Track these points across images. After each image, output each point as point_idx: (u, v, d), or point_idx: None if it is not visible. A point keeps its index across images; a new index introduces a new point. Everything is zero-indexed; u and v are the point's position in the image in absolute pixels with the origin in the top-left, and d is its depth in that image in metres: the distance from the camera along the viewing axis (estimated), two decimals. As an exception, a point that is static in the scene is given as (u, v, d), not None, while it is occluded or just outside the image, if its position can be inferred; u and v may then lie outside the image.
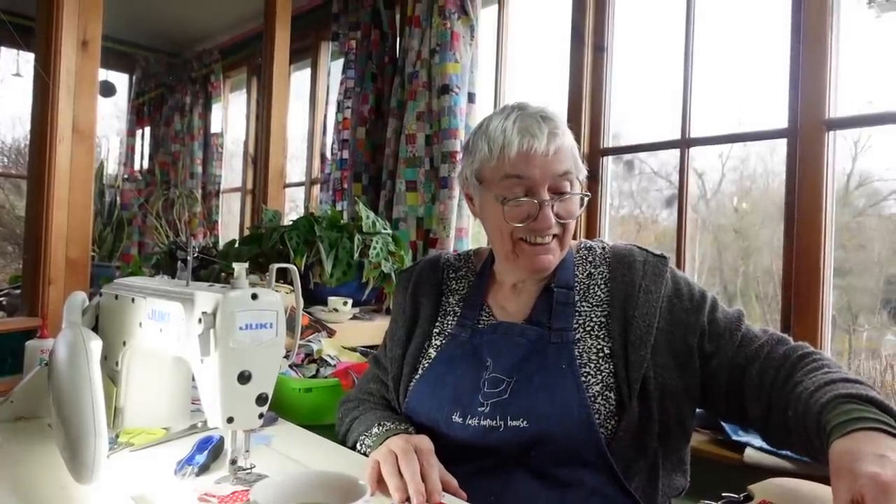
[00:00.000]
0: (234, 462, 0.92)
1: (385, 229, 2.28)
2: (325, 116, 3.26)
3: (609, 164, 2.31)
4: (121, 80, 4.92)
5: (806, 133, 1.74)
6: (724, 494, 0.97)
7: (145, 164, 4.91)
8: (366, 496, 0.65)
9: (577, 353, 1.03)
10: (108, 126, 5.06)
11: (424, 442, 0.96)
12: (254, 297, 0.89)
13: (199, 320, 0.88)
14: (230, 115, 4.53)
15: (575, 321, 1.07)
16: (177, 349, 0.98)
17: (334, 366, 1.64)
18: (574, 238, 1.18)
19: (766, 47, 1.98)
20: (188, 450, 1.00)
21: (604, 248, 1.16)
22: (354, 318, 2.11)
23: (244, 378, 0.88)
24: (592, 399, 0.99)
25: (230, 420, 0.88)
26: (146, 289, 1.06)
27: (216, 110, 4.44)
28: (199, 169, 4.38)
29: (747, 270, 2.41)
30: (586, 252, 1.15)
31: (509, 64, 2.67)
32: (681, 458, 1.09)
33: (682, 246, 2.03)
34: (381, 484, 0.90)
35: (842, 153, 1.85)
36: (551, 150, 1.03)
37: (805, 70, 1.75)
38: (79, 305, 1.15)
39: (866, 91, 1.77)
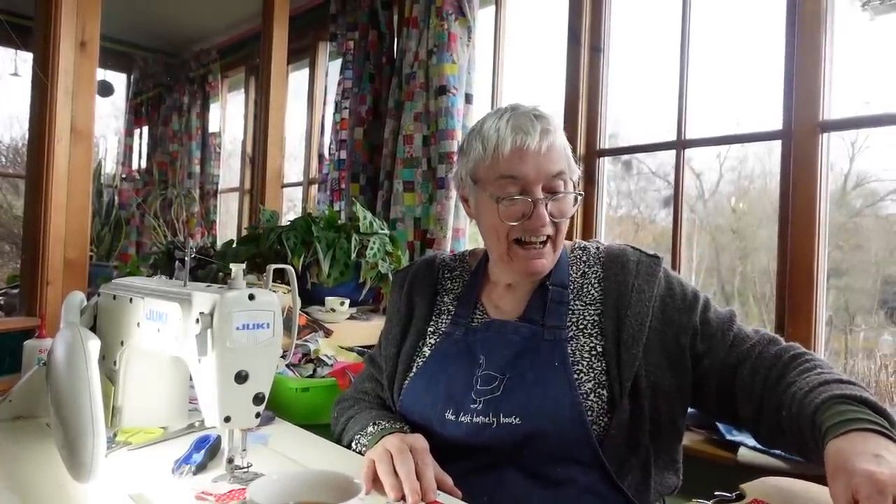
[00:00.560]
0: (231, 461, 0.93)
1: (382, 229, 2.29)
2: (323, 116, 3.27)
3: (606, 165, 2.32)
4: (119, 79, 4.92)
5: (800, 135, 1.75)
6: (716, 493, 0.98)
7: (143, 164, 4.91)
8: (361, 494, 0.66)
9: (569, 351, 1.04)
10: (105, 125, 5.07)
11: (419, 441, 0.97)
12: (251, 297, 0.90)
13: (197, 320, 0.89)
14: (228, 115, 4.53)
15: (568, 319, 1.08)
16: (174, 349, 0.98)
17: (331, 365, 1.64)
18: (569, 239, 1.19)
19: (761, 49, 2.00)
20: (185, 449, 1.01)
21: (598, 248, 1.17)
22: (351, 317, 2.12)
23: (241, 378, 0.89)
24: (584, 396, 1.00)
25: (227, 419, 0.89)
26: (144, 289, 1.07)
27: (214, 110, 4.44)
28: (197, 169, 4.38)
29: (745, 271, 2.42)
30: (580, 252, 1.17)
31: (506, 65, 2.67)
32: (673, 458, 1.10)
33: (677, 246, 2.04)
34: (376, 483, 0.91)
35: (839, 153, 1.86)
36: (544, 147, 1.04)
37: (799, 72, 1.76)
38: (77, 305, 1.16)
39: (861, 93, 1.78)
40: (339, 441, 1.18)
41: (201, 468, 0.96)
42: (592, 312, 1.08)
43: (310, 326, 1.88)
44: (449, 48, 2.47)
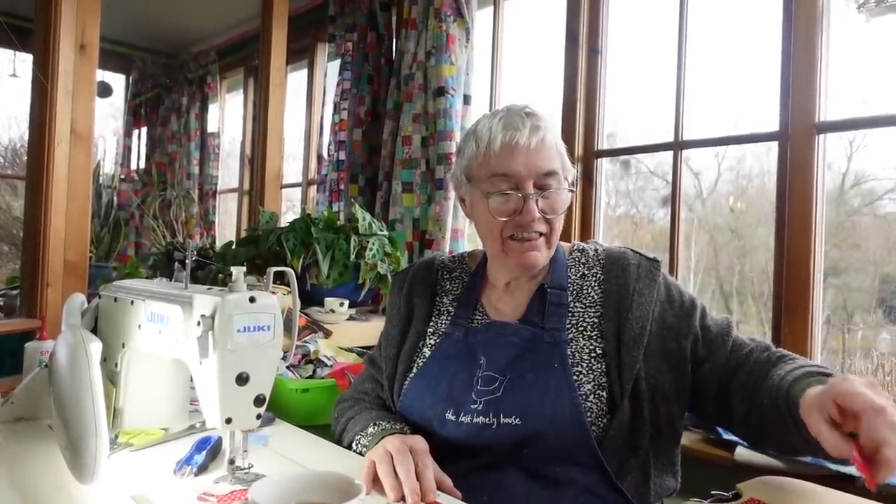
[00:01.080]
0: (232, 462, 0.94)
1: (381, 230, 2.29)
2: (322, 117, 3.27)
3: (605, 164, 2.33)
4: (117, 80, 4.92)
5: (796, 136, 1.76)
6: (713, 492, 0.99)
7: (142, 165, 4.91)
8: (361, 495, 0.67)
9: (569, 353, 1.05)
10: (104, 126, 5.07)
11: (419, 442, 0.98)
12: (251, 300, 0.91)
13: (198, 323, 0.90)
14: (227, 116, 4.54)
15: (568, 321, 1.09)
16: (175, 351, 0.99)
17: (331, 366, 1.65)
18: (568, 241, 1.20)
19: (758, 51, 2.00)
20: (187, 450, 1.01)
21: (596, 250, 1.17)
22: (351, 318, 2.12)
23: (242, 380, 0.90)
24: (584, 398, 1.01)
25: (228, 421, 0.90)
26: (145, 291, 1.08)
27: (213, 111, 4.45)
28: (196, 169, 4.38)
29: (743, 270, 2.43)
30: (579, 254, 1.18)
31: (504, 66, 2.68)
32: (671, 460, 1.10)
33: (675, 246, 2.04)
34: (376, 483, 0.91)
35: (837, 152, 1.86)
36: (533, 143, 1.05)
37: (795, 74, 1.77)
38: (78, 307, 1.16)
39: (857, 95, 1.79)
40: (339, 441, 1.18)
41: (203, 469, 0.97)
42: (592, 314, 1.09)
43: (309, 327, 1.88)
44: (447, 49, 2.48)
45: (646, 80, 2.33)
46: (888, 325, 2.03)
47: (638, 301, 1.06)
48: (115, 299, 1.14)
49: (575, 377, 1.02)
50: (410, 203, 2.56)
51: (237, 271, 0.93)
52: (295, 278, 1.06)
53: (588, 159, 2.30)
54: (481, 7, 2.64)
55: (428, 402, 1.08)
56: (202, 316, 0.89)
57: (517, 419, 1.00)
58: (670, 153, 2.10)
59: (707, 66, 2.10)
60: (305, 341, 1.77)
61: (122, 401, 1.14)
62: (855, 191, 2.11)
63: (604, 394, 1.01)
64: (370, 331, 2.06)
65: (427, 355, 1.15)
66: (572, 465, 0.99)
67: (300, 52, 3.57)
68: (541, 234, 1.08)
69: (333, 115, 3.02)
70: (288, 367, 1.60)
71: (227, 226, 4.39)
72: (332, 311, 2.05)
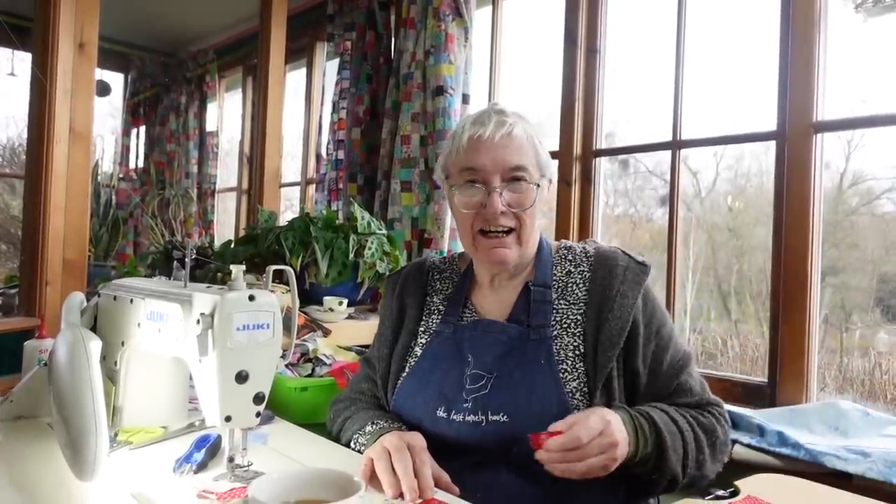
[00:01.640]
0: (231, 459, 0.94)
1: (380, 230, 2.29)
2: (321, 117, 3.27)
3: (603, 163, 2.33)
4: (116, 79, 4.91)
5: (794, 136, 1.76)
6: (710, 490, 0.99)
7: (140, 164, 4.90)
8: (360, 492, 0.67)
9: (555, 350, 1.06)
10: (102, 125, 5.06)
11: (417, 439, 0.98)
12: (251, 298, 0.91)
13: (198, 321, 0.90)
14: (225, 115, 4.53)
15: (552, 318, 1.09)
16: (175, 349, 0.99)
17: (330, 365, 1.65)
18: (567, 238, 1.20)
19: (756, 50, 2.01)
20: (186, 448, 1.02)
21: (584, 248, 1.18)
22: (350, 317, 2.13)
23: (242, 378, 0.90)
24: (570, 395, 1.02)
25: (228, 419, 0.90)
26: (144, 290, 1.08)
27: (211, 110, 4.45)
28: (195, 168, 4.38)
29: (741, 269, 2.43)
30: (566, 251, 1.18)
31: (503, 65, 2.69)
32: None
33: (673, 246, 2.05)
34: (374, 480, 0.92)
35: (835, 152, 1.87)
36: (498, 136, 1.07)
37: (793, 74, 1.77)
38: (77, 306, 1.17)
39: (854, 95, 1.80)
40: (336, 441, 1.19)
41: (202, 467, 0.97)
42: (576, 312, 1.10)
43: (308, 326, 1.88)
44: (446, 49, 2.48)
45: (644, 80, 2.34)
46: (886, 325, 2.04)
47: (620, 303, 1.07)
48: (115, 298, 1.14)
49: (561, 374, 1.03)
50: (409, 202, 2.57)
51: (237, 270, 0.94)
52: (294, 277, 1.06)
53: (586, 158, 2.31)
54: (480, 6, 2.64)
55: (420, 401, 1.09)
56: (202, 314, 0.89)
57: (504, 416, 1.01)
58: (668, 152, 2.10)
59: (705, 66, 2.11)
60: (304, 340, 1.77)
61: (121, 399, 1.14)
62: (853, 190, 2.12)
63: (587, 391, 1.03)
64: (369, 329, 2.05)
65: (419, 354, 1.16)
66: None
67: (299, 52, 3.57)
68: (510, 230, 1.09)
69: (332, 114, 3.02)
70: (287, 366, 1.60)
71: (225, 225, 4.39)
72: (331, 309, 2.05)
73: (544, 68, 2.48)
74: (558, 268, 1.16)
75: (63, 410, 0.88)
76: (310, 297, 2.15)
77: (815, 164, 1.74)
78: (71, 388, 0.88)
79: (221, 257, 2.26)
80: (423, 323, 1.20)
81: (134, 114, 4.90)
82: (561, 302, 1.11)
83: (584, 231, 2.29)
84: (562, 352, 1.06)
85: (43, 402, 1.19)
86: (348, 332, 1.99)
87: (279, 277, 2.06)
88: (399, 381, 1.15)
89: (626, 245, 1.18)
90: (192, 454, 0.99)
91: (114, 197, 3.53)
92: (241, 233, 2.89)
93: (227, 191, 4.42)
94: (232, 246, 2.38)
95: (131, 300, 1.09)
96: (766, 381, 1.79)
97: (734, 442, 1.50)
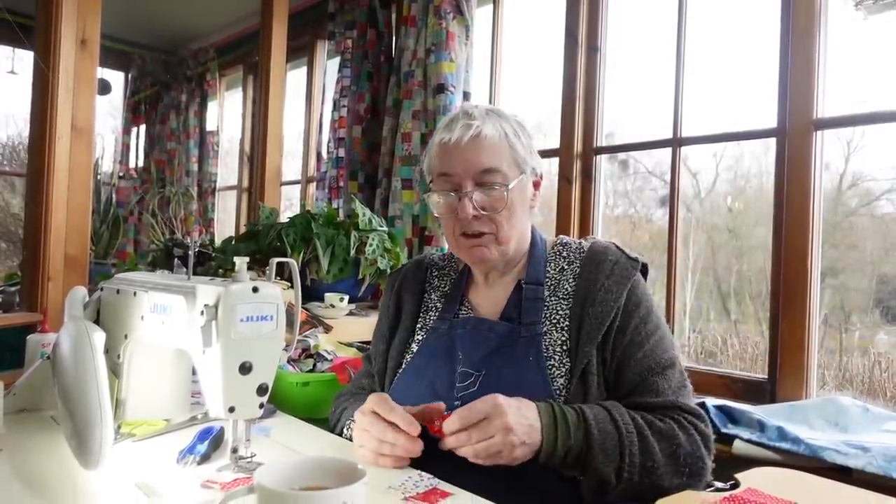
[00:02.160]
0: (235, 451, 0.94)
1: (381, 227, 2.30)
2: (321, 115, 3.28)
3: (603, 164, 2.33)
4: (116, 77, 4.92)
5: (794, 133, 1.77)
6: (710, 483, 1.00)
7: (141, 162, 4.91)
8: (365, 479, 0.67)
9: (543, 346, 1.06)
10: (102, 124, 5.07)
11: (372, 399, 1.00)
12: (255, 289, 0.91)
13: (202, 312, 0.90)
14: (226, 113, 4.54)
15: (543, 314, 1.09)
16: (178, 341, 1.00)
17: (331, 360, 1.66)
18: (566, 234, 1.21)
19: (757, 48, 2.02)
20: (189, 440, 1.02)
21: (580, 244, 1.18)
22: (351, 314, 2.13)
23: (245, 369, 0.90)
24: (558, 391, 1.02)
25: (232, 409, 0.90)
26: (148, 283, 1.08)
27: (212, 108, 4.45)
28: (195, 167, 4.39)
29: (741, 269, 2.44)
30: (560, 248, 1.18)
31: (504, 63, 2.69)
32: None
33: (673, 247, 2.05)
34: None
35: (835, 153, 1.87)
36: (465, 140, 1.07)
37: (793, 71, 1.78)
38: (80, 300, 1.17)
39: (854, 92, 1.80)
40: (339, 435, 1.19)
41: (205, 459, 0.98)
42: (565, 307, 1.09)
43: (310, 322, 1.89)
44: (447, 47, 2.48)
45: (645, 78, 2.34)
46: (885, 325, 2.04)
47: (602, 297, 1.06)
48: (118, 291, 1.14)
49: (548, 371, 1.03)
50: (410, 199, 2.57)
51: (240, 261, 0.94)
52: (297, 270, 1.07)
53: (587, 156, 2.31)
54: (481, 4, 2.64)
55: (414, 399, 1.09)
56: (205, 305, 0.90)
57: None
58: (668, 152, 2.10)
59: (705, 64, 2.11)
60: (306, 336, 1.78)
61: (124, 392, 1.14)
62: (853, 191, 2.12)
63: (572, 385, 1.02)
64: (370, 326, 2.05)
65: (415, 350, 1.17)
66: None
67: (300, 50, 3.57)
68: (488, 233, 1.09)
69: (333, 112, 3.03)
70: (289, 361, 1.61)
71: (225, 223, 4.39)
72: (332, 306, 2.05)
73: (545, 66, 2.49)
74: (552, 264, 1.16)
75: (68, 402, 0.89)
76: (311, 293, 2.15)
77: (815, 162, 1.74)
78: (76, 379, 0.88)
79: (223, 253, 2.26)
80: (420, 320, 1.21)
81: (134, 112, 4.90)
82: (552, 298, 1.11)
83: (585, 229, 2.29)
84: (550, 348, 1.06)
85: (46, 395, 1.19)
86: (349, 328, 2.00)
87: (280, 274, 2.07)
88: (396, 377, 1.17)
89: (626, 246, 1.17)
90: (195, 446, 1.00)
91: (114, 195, 3.53)
92: (242, 230, 2.90)
93: (227, 189, 4.42)
94: (233, 243, 2.38)
95: (135, 293, 1.09)
96: (766, 377, 1.80)
97: (734, 437, 1.50)
